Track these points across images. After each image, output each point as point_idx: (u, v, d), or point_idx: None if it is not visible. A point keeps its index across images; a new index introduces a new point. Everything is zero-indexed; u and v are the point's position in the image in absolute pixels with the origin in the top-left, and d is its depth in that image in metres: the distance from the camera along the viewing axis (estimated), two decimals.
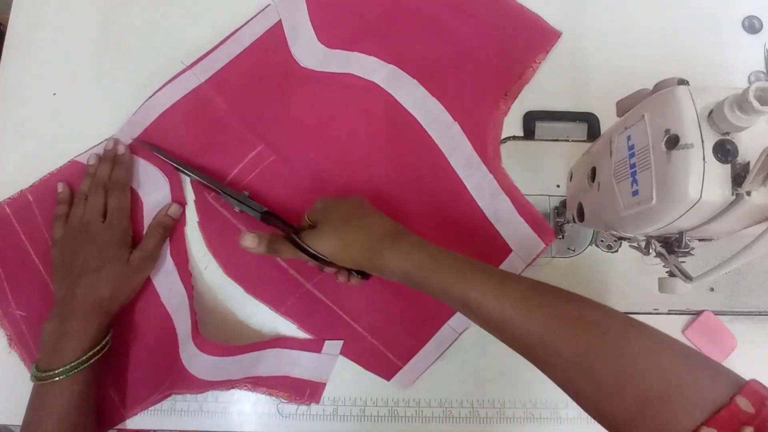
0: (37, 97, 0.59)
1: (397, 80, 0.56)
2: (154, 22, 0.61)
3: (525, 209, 0.53)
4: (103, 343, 0.47)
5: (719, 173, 0.30)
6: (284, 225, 0.49)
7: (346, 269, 0.47)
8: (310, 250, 0.42)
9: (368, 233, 0.43)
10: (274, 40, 0.58)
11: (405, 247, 0.41)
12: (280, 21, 0.59)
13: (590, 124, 0.57)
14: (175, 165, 0.53)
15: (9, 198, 0.55)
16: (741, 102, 0.29)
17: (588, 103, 0.57)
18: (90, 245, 0.49)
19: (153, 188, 0.55)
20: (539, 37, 0.58)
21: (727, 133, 0.31)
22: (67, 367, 0.44)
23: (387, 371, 0.51)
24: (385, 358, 0.51)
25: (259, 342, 0.51)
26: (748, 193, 0.30)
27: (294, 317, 0.52)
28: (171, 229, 0.53)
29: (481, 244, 0.53)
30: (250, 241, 0.45)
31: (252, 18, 0.59)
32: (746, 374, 0.52)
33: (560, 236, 0.55)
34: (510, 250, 0.52)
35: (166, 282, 0.53)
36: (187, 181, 0.56)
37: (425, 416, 0.51)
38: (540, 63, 0.57)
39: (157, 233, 0.52)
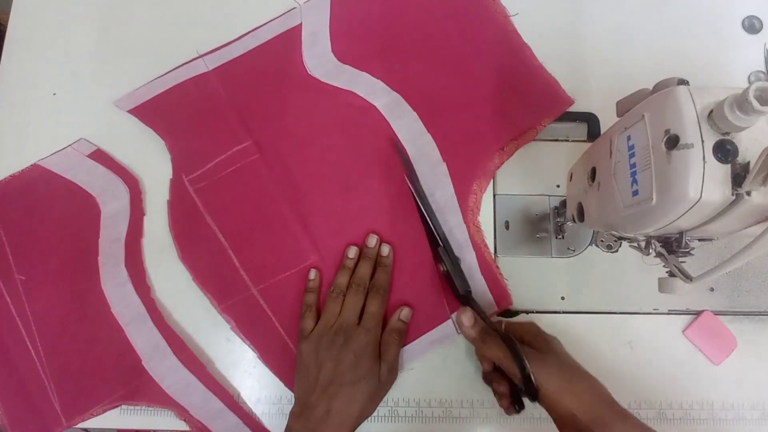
0: (37, 97, 0.59)
1: (398, 109, 0.56)
2: (154, 22, 0.61)
3: (488, 270, 0.52)
4: None
5: (719, 173, 0.30)
6: (482, 315, 0.46)
7: (509, 398, 0.46)
8: (528, 370, 0.40)
9: (598, 393, 0.41)
10: (289, 42, 0.58)
11: (636, 426, 0.39)
12: (299, 24, 0.59)
13: (590, 124, 0.57)
14: (414, 193, 0.53)
15: None
16: (741, 102, 0.29)
17: (588, 103, 0.57)
18: (348, 353, 0.46)
19: (113, 197, 0.55)
20: (551, 101, 0.56)
21: (727, 133, 0.31)
22: None
23: None
24: None
25: (228, 395, 0.51)
26: (748, 193, 0.30)
27: (232, 317, 0.52)
28: (405, 334, 0.51)
29: (430, 294, 0.52)
30: (467, 318, 0.45)
31: (275, 18, 0.59)
32: (746, 374, 0.52)
33: (560, 236, 0.55)
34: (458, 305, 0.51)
35: (119, 293, 0.52)
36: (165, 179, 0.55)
37: (425, 416, 0.51)
38: (545, 126, 0.55)
39: (394, 341, 0.49)
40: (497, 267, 0.52)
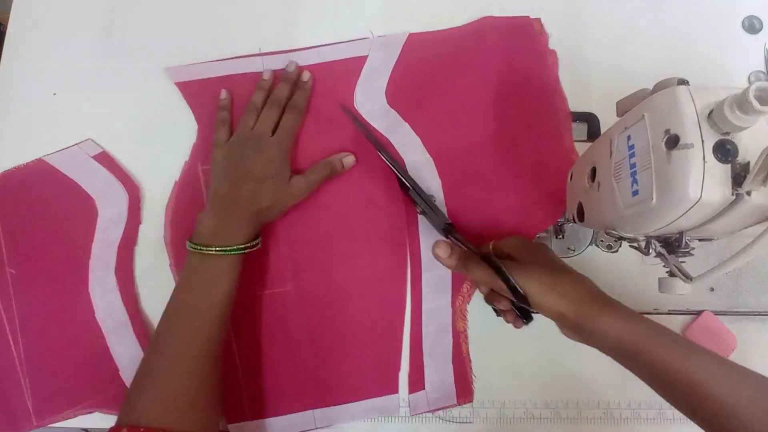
0: (37, 97, 0.59)
1: (425, 171, 0.54)
2: (154, 21, 0.61)
3: (460, 361, 0.51)
4: (255, 241, 0.49)
5: (719, 173, 0.30)
6: (466, 243, 0.47)
7: (513, 311, 0.46)
8: (512, 281, 0.41)
9: (583, 289, 0.41)
10: (349, 69, 0.57)
11: (624, 314, 0.39)
12: (365, 56, 0.58)
13: (590, 124, 0.57)
14: (372, 141, 0.53)
15: None
16: (741, 102, 0.29)
17: (588, 103, 0.57)
18: (258, 155, 0.50)
19: (112, 202, 0.55)
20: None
21: (727, 133, 0.31)
22: (227, 247, 0.46)
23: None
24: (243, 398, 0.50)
25: None
26: (748, 193, 0.30)
27: None
28: (335, 175, 0.53)
29: (389, 360, 0.51)
30: (443, 250, 0.45)
31: (345, 42, 0.58)
32: None
33: (560, 236, 0.54)
34: (423, 388, 0.50)
35: (105, 300, 0.52)
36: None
37: (426, 416, 0.51)
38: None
39: (325, 170, 0.52)
40: (470, 361, 0.51)
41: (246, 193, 0.48)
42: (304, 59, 0.58)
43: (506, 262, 0.43)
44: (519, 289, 0.41)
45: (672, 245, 0.37)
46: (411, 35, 0.58)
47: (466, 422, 0.50)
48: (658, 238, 0.38)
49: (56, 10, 0.61)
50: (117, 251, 0.53)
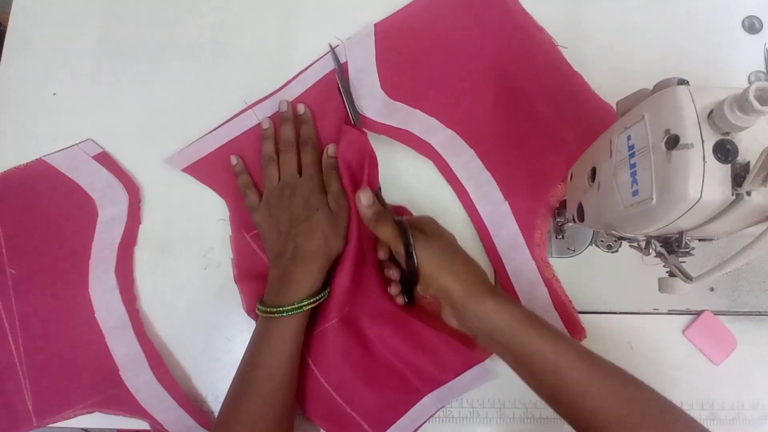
0: (37, 97, 0.59)
1: (453, 147, 0.54)
2: (154, 21, 0.61)
3: (561, 304, 0.51)
4: (322, 294, 0.48)
5: (719, 173, 0.30)
6: (385, 205, 0.49)
7: (400, 285, 0.48)
8: (411, 248, 0.43)
9: (475, 273, 0.44)
10: (336, 83, 0.56)
11: (505, 300, 0.42)
12: (345, 63, 0.57)
13: None
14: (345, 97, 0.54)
15: None
16: (741, 102, 0.29)
17: None
18: (295, 199, 0.50)
19: (112, 201, 0.55)
20: (603, 123, 0.52)
21: (727, 133, 0.31)
22: (291, 306, 0.45)
23: None
24: (355, 424, 0.48)
25: (203, 416, 0.51)
26: (748, 193, 0.30)
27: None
28: (337, 167, 0.52)
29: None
30: (366, 197, 0.46)
31: (319, 58, 0.57)
32: (746, 374, 0.52)
33: (560, 236, 0.55)
34: None
35: (105, 299, 0.52)
36: (225, 224, 0.55)
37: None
38: None
39: (332, 174, 0.52)
40: (570, 301, 0.52)
41: (300, 239, 0.48)
42: (292, 93, 0.57)
43: (414, 231, 0.44)
44: (414, 256, 0.42)
45: (672, 245, 0.37)
46: (376, 25, 0.58)
47: (466, 422, 0.50)
48: (658, 238, 0.38)
49: (56, 10, 0.61)
50: (117, 251, 0.53)
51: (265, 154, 0.54)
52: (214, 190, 0.55)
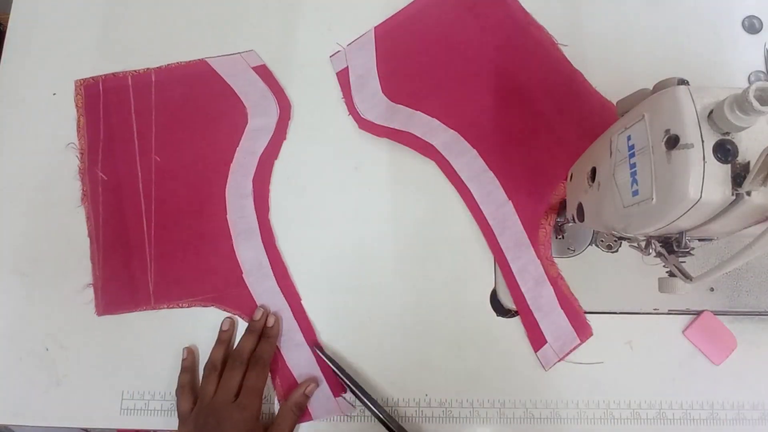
0: (37, 97, 0.59)
1: (456, 147, 0.55)
2: (153, 21, 0.61)
3: (567, 302, 0.51)
4: None
5: (719, 173, 0.30)
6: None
7: None
8: None
9: None
10: (339, 88, 0.57)
11: None
12: (346, 68, 0.58)
13: None
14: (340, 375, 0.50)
15: (134, 71, 0.58)
16: (741, 102, 0.29)
17: None
18: (222, 424, 0.45)
19: (263, 113, 0.56)
20: (604, 119, 0.54)
21: (727, 133, 0.31)
22: None
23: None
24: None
25: (312, 333, 0.52)
26: (748, 193, 0.30)
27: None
28: (305, 409, 0.50)
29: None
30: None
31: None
32: (746, 374, 0.52)
33: (560, 236, 0.54)
34: (545, 341, 0.51)
35: (239, 203, 0.54)
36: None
37: (425, 416, 0.51)
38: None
39: (293, 415, 0.48)
40: (576, 299, 0.52)
41: None
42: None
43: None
44: None
45: (672, 245, 0.37)
46: (376, 28, 0.58)
47: (466, 422, 0.50)
48: (658, 238, 0.38)
49: (56, 10, 0.61)
50: (258, 160, 0.55)
51: (210, 360, 0.49)
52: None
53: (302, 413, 0.49)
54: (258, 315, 0.52)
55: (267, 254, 0.53)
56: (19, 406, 0.51)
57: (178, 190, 0.55)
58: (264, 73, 0.58)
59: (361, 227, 0.55)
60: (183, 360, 0.51)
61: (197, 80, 0.57)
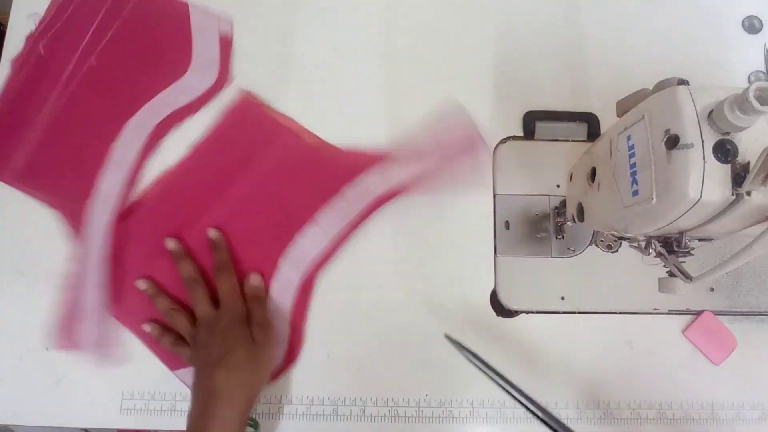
0: None
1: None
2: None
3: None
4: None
5: (719, 173, 0.30)
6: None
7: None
8: None
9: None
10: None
11: None
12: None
13: (590, 124, 0.57)
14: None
15: None
16: (741, 102, 0.29)
17: (588, 103, 0.57)
18: (213, 337, 0.47)
19: (200, 76, 0.56)
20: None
21: (727, 133, 0.31)
22: None
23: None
24: None
25: None
26: (748, 193, 0.30)
27: None
28: (264, 296, 0.51)
29: None
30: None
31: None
32: (746, 374, 0.52)
33: (560, 236, 0.55)
34: None
35: (122, 153, 0.54)
36: None
37: (425, 416, 0.51)
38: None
39: (257, 303, 0.50)
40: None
41: (220, 376, 0.45)
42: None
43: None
44: None
45: (672, 245, 0.37)
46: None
47: (466, 422, 0.50)
48: (658, 238, 0.38)
49: None
50: (163, 119, 0.55)
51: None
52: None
53: (261, 300, 0.51)
54: (171, 245, 0.52)
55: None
56: (19, 406, 0.51)
57: (90, 96, 0.55)
58: (224, 43, 0.58)
59: (361, 227, 0.54)
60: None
61: (170, 15, 0.57)
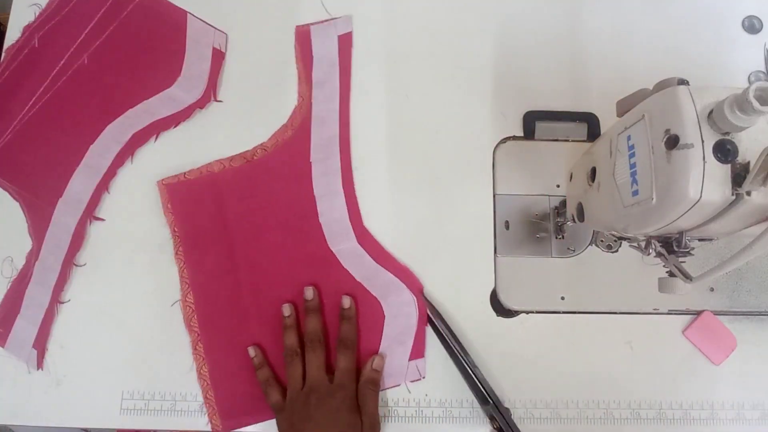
0: None
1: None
2: None
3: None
4: None
5: (719, 173, 0.30)
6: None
7: None
8: None
9: None
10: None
11: None
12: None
13: (590, 124, 0.57)
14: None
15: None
16: (741, 102, 0.29)
17: (588, 103, 0.57)
18: (323, 412, 0.45)
19: (188, 87, 0.56)
20: None
21: (727, 133, 0.31)
22: None
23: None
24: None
25: None
26: (748, 193, 0.30)
27: None
28: (380, 383, 0.49)
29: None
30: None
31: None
32: (746, 374, 0.52)
33: (560, 236, 0.55)
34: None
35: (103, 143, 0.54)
36: None
37: (425, 416, 0.51)
38: None
39: (371, 391, 0.48)
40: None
41: None
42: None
43: None
44: None
45: (672, 245, 0.37)
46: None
47: (466, 422, 0.50)
48: (658, 238, 0.38)
49: None
50: (141, 128, 0.55)
51: (288, 348, 0.49)
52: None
53: (378, 387, 0.49)
54: (310, 294, 0.51)
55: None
56: (19, 406, 0.51)
57: (75, 94, 0.54)
58: (216, 57, 0.57)
59: None
60: (253, 357, 0.50)
61: (168, 22, 0.57)
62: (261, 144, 0.55)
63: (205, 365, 0.51)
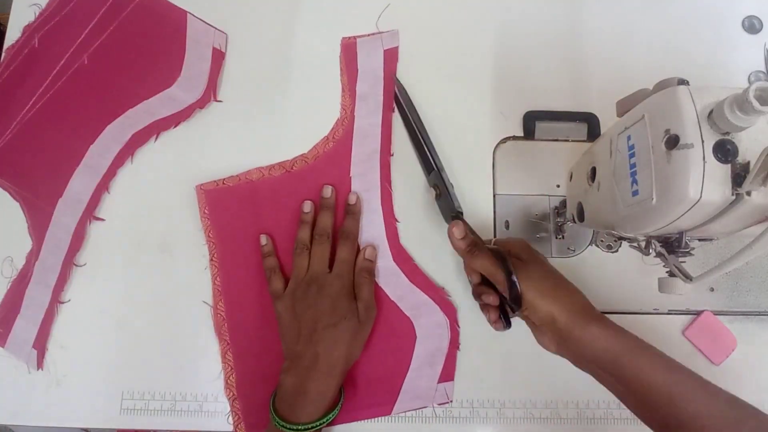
0: None
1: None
2: None
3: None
4: (336, 409, 0.46)
5: (719, 173, 0.30)
6: (473, 233, 0.48)
7: (497, 311, 0.47)
8: (514, 276, 0.42)
9: (579, 299, 0.43)
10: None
11: (613, 326, 0.40)
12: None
13: (590, 124, 0.57)
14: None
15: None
16: (741, 102, 0.29)
17: (588, 103, 0.57)
18: (324, 299, 0.47)
19: (187, 90, 0.56)
20: None
21: (727, 133, 0.31)
22: (306, 427, 0.44)
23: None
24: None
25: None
26: (748, 193, 0.30)
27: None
28: (373, 272, 0.51)
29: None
30: (459, 231, 0.46)
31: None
32: (746, 374, 0.52)
33: (560, 236, 0.55)
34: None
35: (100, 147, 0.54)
36: None
37: (425, 416, 0.51)
38: None
39: (365, 279, 0.50)
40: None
41: (322, 347, 0.45)
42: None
43: (511, 260, 0.44)
44: (517, 285, 0.42)
45: (672, 245, 0.37)
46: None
47: (466, 422, 0.50)
48: (658, 238, 0.38)
49: None
50: (141, 128, 0.55)
51: (299, 241, 0.51)
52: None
53: (372, 276, 0.51)
54: (328, 193, 0.53)
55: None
56: (19, 406, 0.51)
57: (75, 94, 0.54)
58: (216, 57, 0.57)
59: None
60: (263, 246, 0.52)
61: (168, 22, 0.57)
62: (301, 155, 0.55)
63: (233, 374, 0.51)
